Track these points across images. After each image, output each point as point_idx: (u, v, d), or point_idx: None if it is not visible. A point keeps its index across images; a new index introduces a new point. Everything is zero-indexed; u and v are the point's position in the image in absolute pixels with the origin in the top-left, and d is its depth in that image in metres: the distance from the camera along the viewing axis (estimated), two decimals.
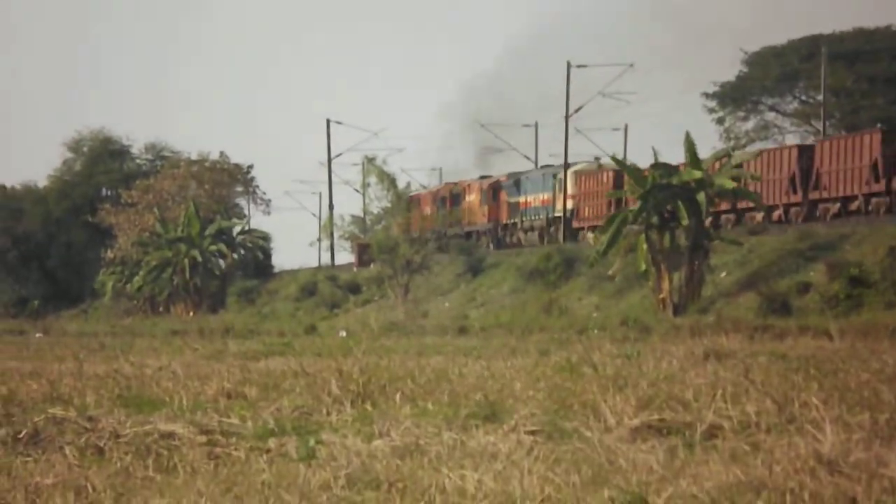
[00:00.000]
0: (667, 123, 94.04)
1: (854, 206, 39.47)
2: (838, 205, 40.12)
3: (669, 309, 37.29)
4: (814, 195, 41.11)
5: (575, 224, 50.18)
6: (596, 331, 30.24)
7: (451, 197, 58.51)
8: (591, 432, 10.70)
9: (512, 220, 54.36)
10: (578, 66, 54.52)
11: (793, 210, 42.22)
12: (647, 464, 9.00)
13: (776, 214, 42.55)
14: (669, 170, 38.49)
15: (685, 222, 37.43)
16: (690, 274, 38.10)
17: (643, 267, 38.55)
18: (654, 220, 38.26)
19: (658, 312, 37.17)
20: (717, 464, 8.75)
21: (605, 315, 38.06)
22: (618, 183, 45.20)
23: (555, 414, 11.72)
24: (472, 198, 56.48)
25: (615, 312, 38.41)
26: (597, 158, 54.30)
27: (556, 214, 50.85)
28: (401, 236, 51.52)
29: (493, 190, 55.78)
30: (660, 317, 35.91)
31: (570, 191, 50.46)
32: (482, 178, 59.68)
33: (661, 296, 38.07)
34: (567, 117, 54.68)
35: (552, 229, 50.85)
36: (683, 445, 9.87)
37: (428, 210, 59.61)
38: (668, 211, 38.26)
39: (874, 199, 38.67)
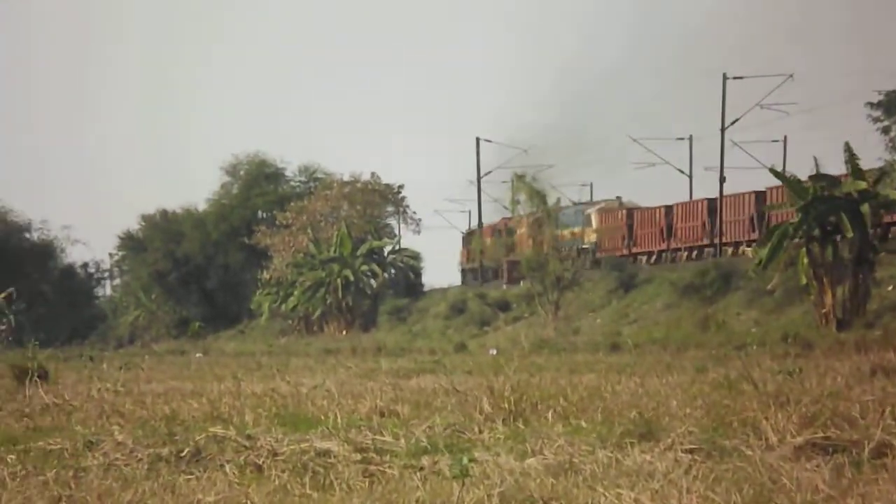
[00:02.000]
0: (829, 135, 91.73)
1: None
2: None
3: (833, 324, 36.21)
4: None
5: (598, 254, 56.28)
6: (755, 347, 29.50)
7: (507, 230, 63.79)
8: (751, 451, 10.41)
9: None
10: (734, 78, 53.58)
11: None
12: (812, 483, 8.69)
13: None
14: (831, 181, 37.45)
15: (849, 234, 36.35)
16: (855, 287, 36.95)
17: (804, 280, 37.53)
18: (816, 232, 37.24)
19: (820, 327, 36.12)
20: (886, 483, 8.40)
21: (765, 330, 37.15)
22: (629, 218, 53.85)
23: (713, 432, 11.44)
24: (522, 231, 61.35)
25: (775, 328, 37.47)
26: (618, 198, 59.17)
27: (584, 246, 56.37)
28: (551, 252, 51.38)
29: (538, 224, 59.58)
30: (822, 332, 34.88)
31: (594, 226, 57.13)
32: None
33: (824, 310, 36.99)
34: (723, 129, 53.74)
35: (581, 258, 54.56)
36: (850, 464, 9.51)
37: (488, 241, 65.89)
38: (830, 223, 37.21)
39: None
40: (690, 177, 62.99)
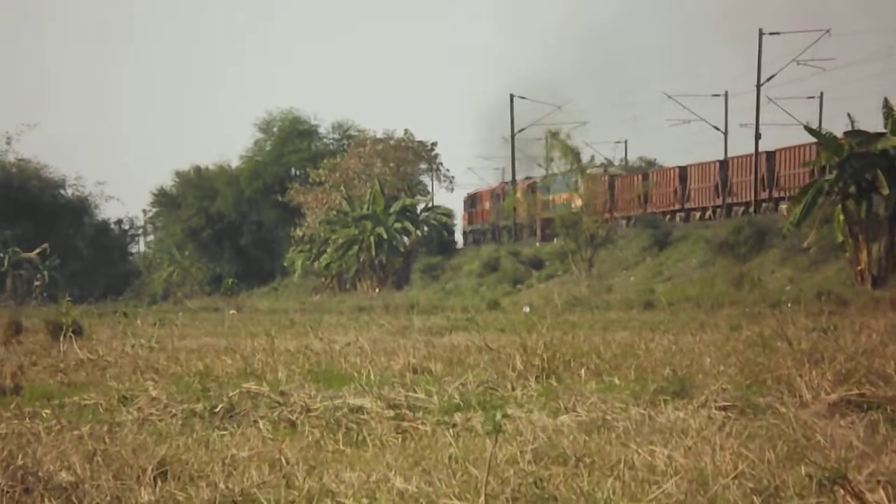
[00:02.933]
0: (867, 91, 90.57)
1: None
2: None
3: (868, 281, 35.97)
4: None
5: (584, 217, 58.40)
6: (790, 304, 29.27)
7: (504, 194, 66.90)
8: (785, 408, 10.37)
9: (546, 216, 61.51)
10: (771, 34, 52.97)
11: None
12: (846, 440, 8.64)
13: None
14: (868, 138, 37.02)
15: (885, 191, 35.98)
16: (890, 244, 36.63)
17: (840, 238, 37.25)
18: (852, 189, 36.88)
19: (856, 285, 35.88)
20: None
21: (799, 288, 36.92)
22: (611, 184, 56.21)
23: (747, 389, 11.40)
24: (518, 195, 64.59)
25: (810, 285, 37.24)
26: (607, 161, 62.26)
27: (573, 210, 57.04)
28: (585, 210, 51.23)
29: (531, 189, 64.57)
30: (858, 289, 34.64)
31: (581, 191, 57.69)
32: (526, 178, 68.09)
33: (860, 267, 36.72)
34: (758, 86, 53.22)
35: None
36: (885, 421, 9.45)
37: (487, 205, 69.52)
38: (866, 180, 36.82)
39: None
40: (726, 133, 62.52)
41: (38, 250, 74.12)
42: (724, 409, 10.44)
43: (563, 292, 43.23)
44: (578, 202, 57.09)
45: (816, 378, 11.07)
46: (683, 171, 55.91)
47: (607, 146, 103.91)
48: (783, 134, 79.20)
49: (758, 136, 51.83)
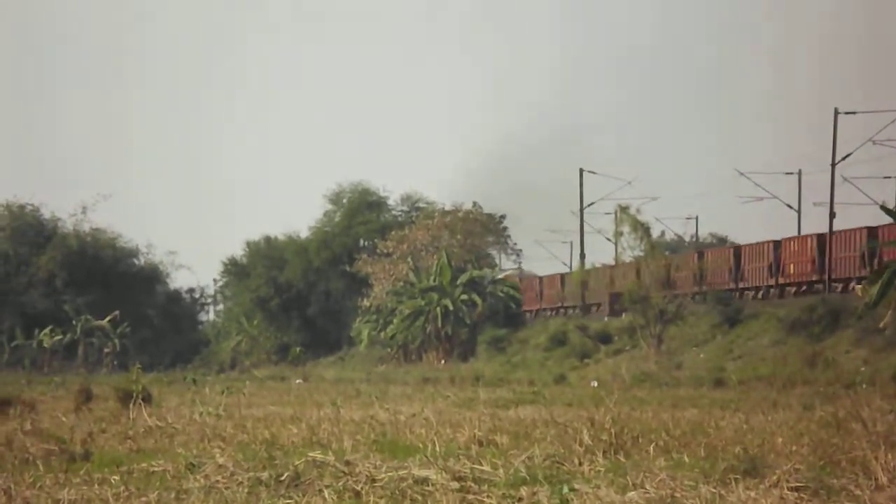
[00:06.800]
0: None
1: None
2: None
3: None
4: None
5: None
6: (864, 385, 28.78)
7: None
8: (860, 490, 10.11)
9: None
10: (846, 113, 52.66)
11: None
12: None
13: None
14: None
15: None
16: None
17: None
18: None
19: None
20: None
21: (875, 369, 36.21)
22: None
23: (820, 470, 11.14)
24: None
25: (886, 366, 36.49)
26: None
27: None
28: (654, 285, 50.85)
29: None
30: None
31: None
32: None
33: None
34: (833, 165, 52.79)
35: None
36: None
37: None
38: None
39: None
40: (799, 212, 61.94)
41: (109, 318, 75.06)
42: (797, 489, 10.21)
43: (631, 368, 42.81)
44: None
45: (893, 461, 10.81)
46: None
47: (678, 222, 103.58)
48: (859, 213, 78.26)
49: (832, 215, 51.29)
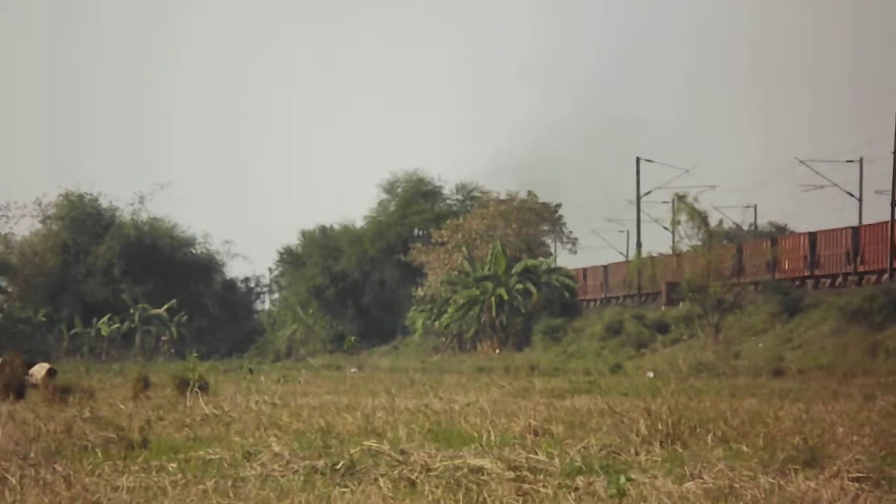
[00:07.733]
0: None
1: None
2: None
3: None
4: None
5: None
6: None
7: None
8: None
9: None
10: None
11: None
12: None
13: None
14: None
15: None
16: None
17: None
18: None
19: None
20: None
21: None
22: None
23: (882, 461, 10.98)
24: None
25: None
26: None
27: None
28: (712, 275, 50.41)
29: None
30: None
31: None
32: None
33: None
34: (895, 153, 51.98)
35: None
36: None
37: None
38: None
39: None
40: (860, 200, 61.11)
41: (166, 306, 75.82)
42: (858, 480, 10.06)
43: (688, 357, 42.49)
44: None
45: None
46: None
47: (736, 210, 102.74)
48: None
49: (894, 203, 50.51)
